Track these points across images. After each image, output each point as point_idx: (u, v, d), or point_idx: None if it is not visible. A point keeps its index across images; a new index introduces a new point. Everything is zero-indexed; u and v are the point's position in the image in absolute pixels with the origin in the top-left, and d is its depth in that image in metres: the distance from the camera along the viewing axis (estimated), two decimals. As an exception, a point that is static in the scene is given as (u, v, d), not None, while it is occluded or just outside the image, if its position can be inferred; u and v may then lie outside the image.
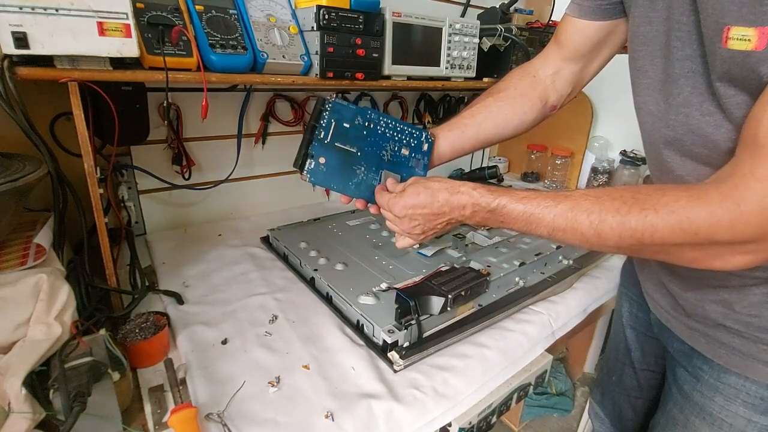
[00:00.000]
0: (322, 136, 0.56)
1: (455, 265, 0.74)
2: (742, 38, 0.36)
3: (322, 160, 0.55)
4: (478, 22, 1.03)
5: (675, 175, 0.49)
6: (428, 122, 1.34)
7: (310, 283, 0.78)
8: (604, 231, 0.41)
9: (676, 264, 0.43)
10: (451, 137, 0.64)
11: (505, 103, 0.65)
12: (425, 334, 0.62)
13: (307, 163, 0.55)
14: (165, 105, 0.86)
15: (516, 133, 0.67)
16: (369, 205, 0.58)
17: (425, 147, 0.61)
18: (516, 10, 1.19)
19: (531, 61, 0.68)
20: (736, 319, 0.49)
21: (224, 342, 0.62)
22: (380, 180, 0.58)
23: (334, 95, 0.58)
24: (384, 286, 0.71)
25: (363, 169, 0.57)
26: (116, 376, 0.49)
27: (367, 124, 0.58)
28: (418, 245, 0.88)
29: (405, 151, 0.60)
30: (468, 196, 0.50)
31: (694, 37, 0.42)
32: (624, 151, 1.42)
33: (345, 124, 0.57)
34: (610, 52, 0.62)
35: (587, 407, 0.92)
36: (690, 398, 0.57)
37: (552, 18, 1.21)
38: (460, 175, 1.42)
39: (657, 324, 0.64)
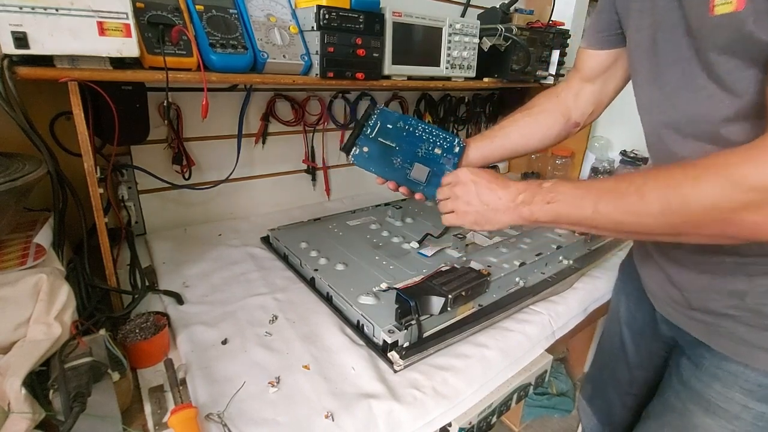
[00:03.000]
0: (368, 132, 0.68)
1: (455, 265, 0.74)
2: (725, 2, 0.39)
3: (365, 149, 0.67)
4: (479, 22, 1.03)
5: (678, 156, 0.50)
6: (428, 122, 1.34)
7: (311, 283, 0.78)
8: (673, 201, 0.40)
9: (727, 240, 0.41)
10: (481, 146, 0.72)
11: (531, 118, 0.74)
12: (425, 334, 0.62)
13: (353, 149, 0.67)
14: (165, 105, 0.86)
15: (541, 145, 0.75)
16: (399, 187, 0.68)
17: (456, 149, 0.70)
18: (516, 10, 1.19)
19: (556, 85, 0.78)
20: (745, 308, 0.50)
21: (224, 342, 0.62)
22: (413, 170, 0.68)
23: (383, 104, 0.70)
24: (384, 286, 0.71)
25: (399, 160, 0.68)
26: (116, 376, 0.49)
27: (407, 127, 0.70)
28: (417, 245, 0.88)
29: (438, 151, 0.69)
30: (524, 184, 0.56)
31: (678, 29, 0.47)
32: (624, 151, 1.42)
33: (388, 125, 0.69)
34: (623, 74, 0.68)
35: (576, 402, 0.92)
36: (688, 385, 0.58)
37: (552, 18, 1.21)
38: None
39: (664, 321, 0.64)
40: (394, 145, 0.68)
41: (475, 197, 0.59)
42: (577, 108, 0.73)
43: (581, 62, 0.71)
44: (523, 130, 0.73)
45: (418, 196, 0.69)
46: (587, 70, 0.70)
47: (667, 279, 0.59)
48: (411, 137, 0.69)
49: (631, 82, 0.60)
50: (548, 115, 0.73)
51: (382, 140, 0.68)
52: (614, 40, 0.64)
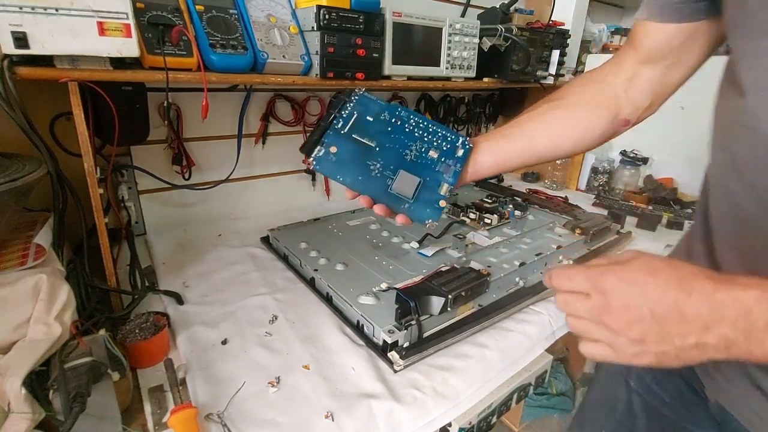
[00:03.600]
0: (339, 125, 0.52)
1: (455, 265, 0.74)
2: None
3: (333, 149, 0.50)
4: (478, 22, 1.03)
5: None
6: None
7: (310, 283, 0.78)
8: None
9: None
10: (495, 148, 0.53)
11: (563, 112, 0.54)
12: (425, 335, 0.62)
13: (316, 149, 0.50)
14: (165, 105, 0.86)
15: (576, 149, 0.56)
16: (375, 204, 0.50)
17: (459, 152, 0.53)
18: (516, 10, 1.19)
19: (600, 66, 0.56)
20: None
21: (224, 342, 0.62)
22: (396, 179, 0.50)
23: (363, 89, 0.55)
24: (384, 286, 0.71)
25: (378, 165, 0.50)
26: (116, 376, 0.49)
27: (394, 120, 0.53)
28: (417, 245, 0.88)
29: (433, 154, 0.52)
30: (737, 302, 0.30)
31: None
32: (624, 151, 1.42)
33: (368, 117, 0.53)
34: (696, 58, 0.50)
35: (575, 402, 0.83)
36: None
37: (552, 18, 1.21)
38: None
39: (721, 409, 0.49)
40: (373, 145, 0.51)
41: (648, 316, 0.32)
42: (630, 101, 0.54)
43: (640, 38, 0.52)
44: (552, 128, 0.54)
45: (400, 218, 0.50)
46: (649, 49, 0.52)
47: (752, 384, 0.43)
48: (399, 134, 0.53)
49: (744, 83, 0.38)
50: (588, 109, 0.54)
51: (357, 137, 0.51)
52: (695, 10, 0.47)
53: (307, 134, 1.12)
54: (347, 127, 0.51)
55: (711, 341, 0.31)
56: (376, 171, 0.50)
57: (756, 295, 0.30)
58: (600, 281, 0.34)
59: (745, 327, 0.30)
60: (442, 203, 0.51)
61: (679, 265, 0.33)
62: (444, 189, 0.51)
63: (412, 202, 0.50)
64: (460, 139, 0.54)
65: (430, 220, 0.49)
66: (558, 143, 0.54)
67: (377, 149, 0.51)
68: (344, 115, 0.52)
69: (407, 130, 0.53)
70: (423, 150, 0.53)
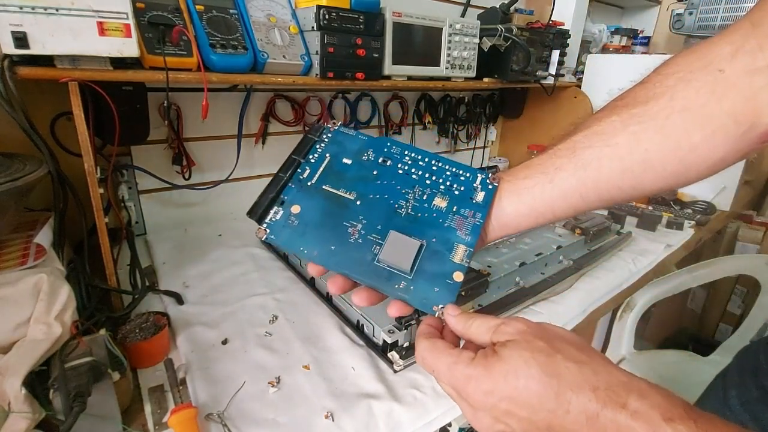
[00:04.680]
0: (306, 175, 0.38)
1: (455, 265, 0.73)
2: None
3: (295, 209, 0.36)
4: (479, 22, 1.03)
5: None
6: (428, 122, 1.34)
7: (310, 283, 0.78)
8: None
9: None
10: (531, 187, 0.37)
11: (650, 125, 0.33)
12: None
13: (272, 212, 0.37)
14: (165, 105, 0.86)
15: (676, 181, 0.35)
16: (355, 290, 0.36)
17: (479, 197, 0.37)
18: (516, 10, 1.19)
19: (706, 44, 0.34)
20: None
21: (224, 342, 0.62)
22: (384, 245, 0.34)
23: (339, 123, 0.42)
24: (384, 286, 0.71)
25: (359, 227, 0.36)
26: (116, 376, 0.49)
27: (381, 160, 0.39)
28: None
29: (440, 202, 0.37)
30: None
31: None
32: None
33: (345, 160, 0.39)
34: None
35: None
36: None
37: (552, 18, 1.21)
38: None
39: None
40: (352, 198, 0.37)
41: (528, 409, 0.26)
42: None
43: None
44: (634, 152, 0.34)
45: (393, 308, 0.35)
46: None
47: None
48: (388, 179, 0.38)
49: None
50: (700, 119, 0.32)
51: (330, 189, 0.37)
52: None
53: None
54: (316, 176, 0.38)
55: None
56: (356, 236, 0.35)
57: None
58: (463, 390, 0.29)
59: None
60: (458, 276, 0.34)
61: (560, 369, 0.26)
62: (459, 254, 0.35)
63: (410, 278, 0.34)
64: (479, 177, 0.38)
65: (440, 306, 0.33)
66: (642, 176, 0.34)
67: (357, 203, 0.37)
68: (312, 161, 0.39)
69: (401, 172, 0.39)
70: (425, 198, 0.37)
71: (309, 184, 0.38)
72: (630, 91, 0.36)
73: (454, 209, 0.37)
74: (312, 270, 0.36)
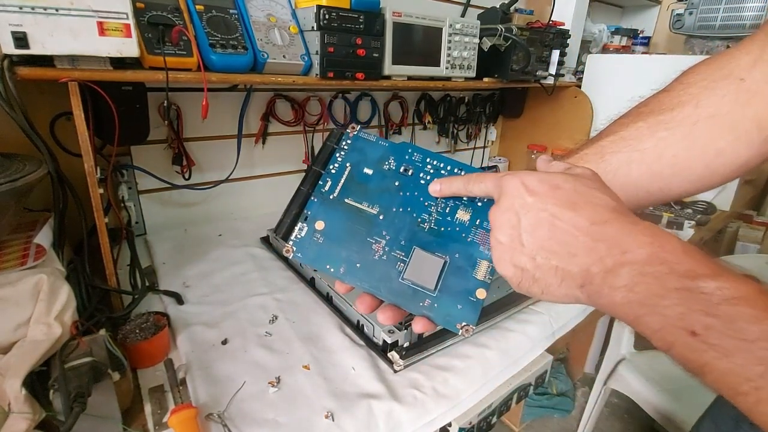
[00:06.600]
0: (328, 187, 0.37)
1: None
2: None
3: (319, 225, 0.36)
4: (479, 22, 1.03)
5: None
6: (428, 122, 1.34)
7: (310, 283, 0.78)
8: None
9: None
10: None
11: (677, 131, 0.35)
12: (425, 334, 0.62)
13: (296, 228, 0.36)
14: (165, 105, 0.86)
15: (699, 187, 0.37)
16: (380, 308, 0.36)
17: None
18: (516, 10, 1.20)
19: (725, 55, 0.36)
20: None
21: (224, 342, 0.62)
22: (408, 263, 0.35)
23: (358, 127, 0.40)
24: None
25: (384, 243, 0.35)
26: (116, 376, 0.49)
27: (403, 169, 0.38)
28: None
29: (464, 215, 0.36)
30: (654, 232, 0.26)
31: None
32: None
33: (366, 170, 0.38)
34: None
35: (575, 402, 0.79)
36: None
37: (552, 18, 1.21)
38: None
39: None
40: (375, 212, 0.37)
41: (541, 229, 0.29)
42: None
43: None
44: (663, 156, 0.35)
45: (419, 325, 0.34)
46: None
47: None
48: (411, 190, 0.37)
49: None
50: (721, 125, 0.34)
51: (353, 202, 0.37)
52: None
53: (308, 134, 1.12)
54: (338, 189, 0.37)
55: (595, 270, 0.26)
56: (381, 252, 0.35)
57: (682, 248, 0.25)
58: (503, 183, 0.31)
59: (656, 273, 0.24)
60: (481, 293, 0.34)
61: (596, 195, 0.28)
62: (482, 270, 0.34)
63: (434, 296, 0.34)
64: None
65: (463, 324, 0.33)
66: (671, 180, 0.35)
67: (381, 218, 0.36)
68: (332, 171, 0.38)
69: (423, 182, 0.37)
70: (448, 210, 0.36)
71: (331, 197, 0.37)
72: (653, 98, 0.38)
73: (477, 222, 0.36)
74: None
